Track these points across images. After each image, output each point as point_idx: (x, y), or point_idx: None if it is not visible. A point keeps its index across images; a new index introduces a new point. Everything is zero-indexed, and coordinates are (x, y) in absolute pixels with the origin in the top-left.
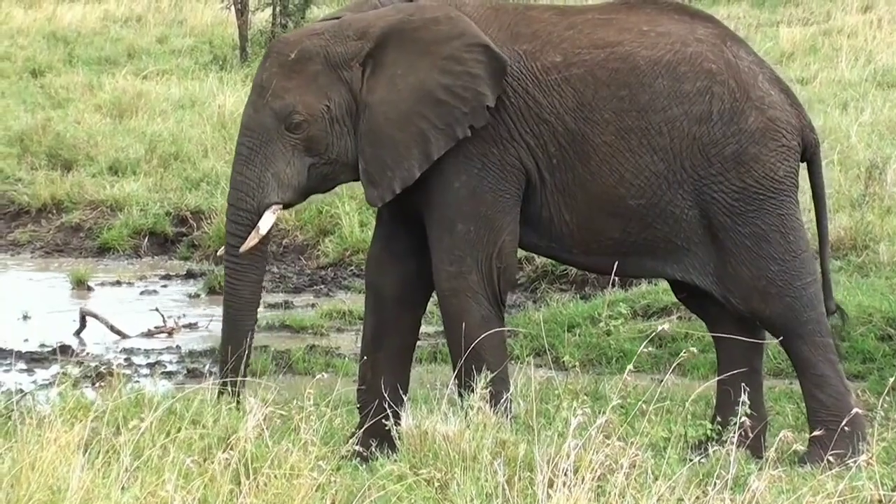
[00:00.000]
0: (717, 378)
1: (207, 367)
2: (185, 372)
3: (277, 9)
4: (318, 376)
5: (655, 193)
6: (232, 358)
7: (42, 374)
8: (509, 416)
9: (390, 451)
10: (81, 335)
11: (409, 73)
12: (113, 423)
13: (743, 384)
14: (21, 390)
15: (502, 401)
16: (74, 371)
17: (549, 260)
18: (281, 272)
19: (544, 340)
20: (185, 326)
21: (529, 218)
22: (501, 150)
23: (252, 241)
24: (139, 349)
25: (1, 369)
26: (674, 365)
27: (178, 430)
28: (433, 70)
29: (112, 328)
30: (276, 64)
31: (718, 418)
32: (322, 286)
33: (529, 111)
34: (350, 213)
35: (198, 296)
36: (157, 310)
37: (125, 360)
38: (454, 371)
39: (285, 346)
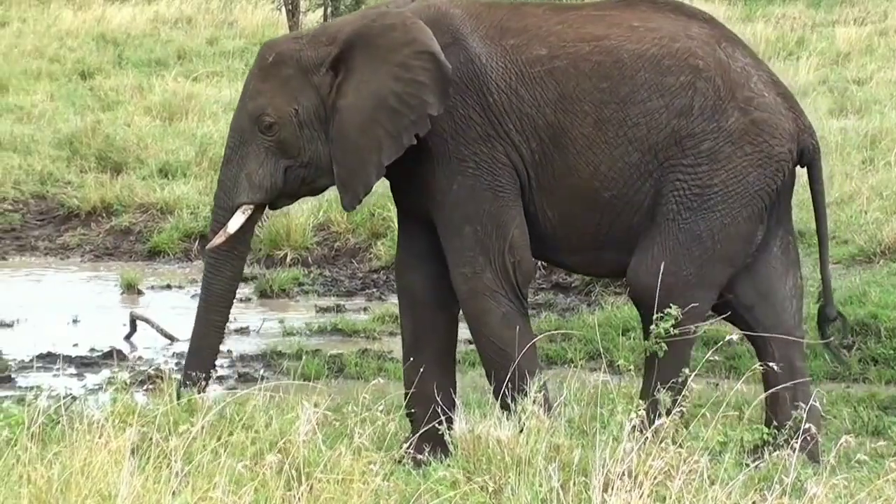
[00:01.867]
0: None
1: (259, 371)
2: (237, 376)
3: (329, 10)
4: (372, 381)
5: (626, 184)
6: (198, 352)
7: (92, 379)
8: (548, 410)
9: (444, 456)
10: (132, 339)
11: (371, 79)
12: (164, 427)
13: (789, 385)
14: (71, 395)
15: (537, 399)
16: (125, 375)
17: None
18: (333, 276)
19: (598, 344)
20: (236, 331)
21: (526, 219)
22: (490, 148)
23: (219, 239)
24: None
25: (51, 374)
26: (743, 372)
27: (230, 435)
28: (388, 77)
29: (163, 332)
30: (256, 66)
31: (775, 423)
32: (374, 290)
33: (512, 107)
34: None
35: (249, 300)
36: None
37: (176, 364)
38: (485, 372)
39: (337, 349)
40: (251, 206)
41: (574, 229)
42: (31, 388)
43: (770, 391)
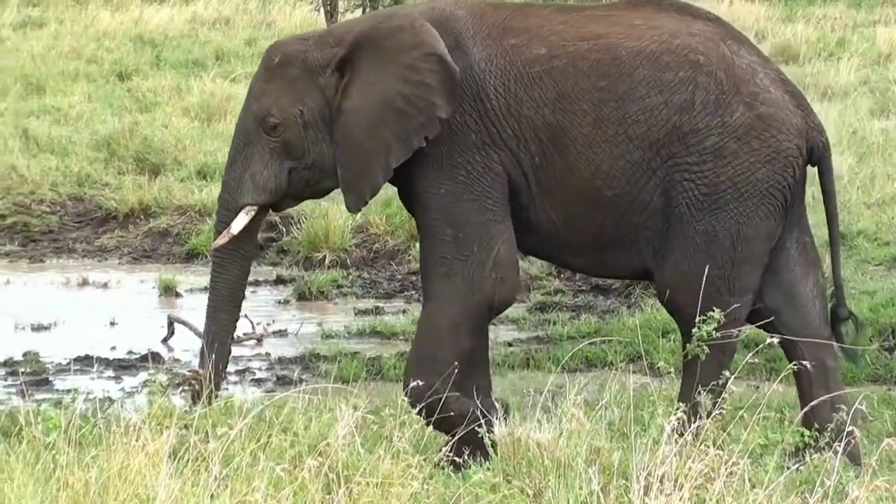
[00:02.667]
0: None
1: (297, 373)
2: (275, 379)
3: (367, 10)
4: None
5: (629, 182)
6: (209, 353)
7: (130, 382)
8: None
9: (483, 460)
10: (170, 342)
11: (377, 81)
12: (202, 430)
13: (823, 383)
14: (109, 398)
15: (439, 406)
16: (162, 378)
17: None
18: (372, 277)
19: (639, 346)
20: (274, 333)
21: (521, 221)
22: (484, 156)
23: (222, 239)
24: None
25: (88, 377)
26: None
27: (268, 438)
28: (395, 79)
29: (200, 335)
30: (262, 67)
31: (816, 425)
32: (413, 291)
33: (510, 109)
34: None
35: (287, 302)
36: (245, 316)
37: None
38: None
39: (376, 352)
40: (255, 208)
41: (577, 230)
42: (69, 390)
43: (800, 392)
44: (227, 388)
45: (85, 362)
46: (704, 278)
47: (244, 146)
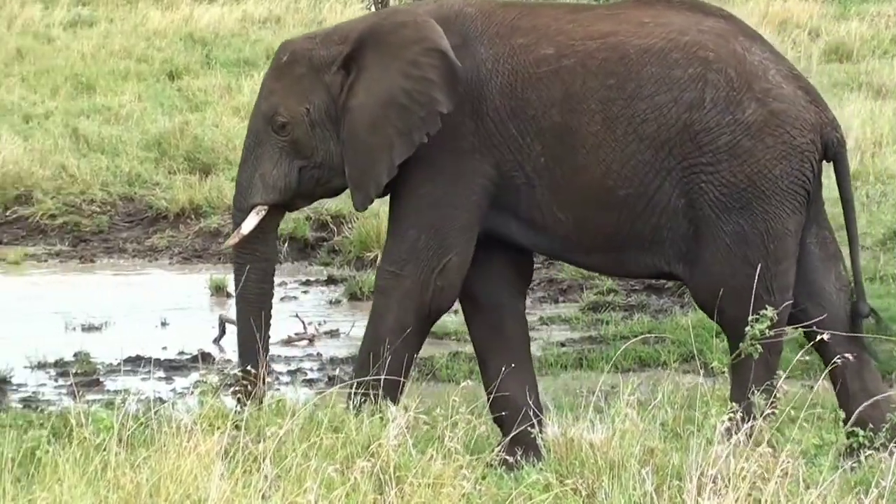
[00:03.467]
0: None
1: (349, 373)
2: (326, 379)
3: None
4: (462, 384)
5: (643, 182)
6: (247, 356)
7: (181, 382)
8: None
9: (536, 460)
10: (221, 342)
11: (382, 77)
12: (253, 430)
13: (857, 377)
14: (160, 398)
15: (375, 406)
16: (214, 379)
17: None
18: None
19: (692, 346)
20: (325, 333)
21: (528, 222)
22: (475, 162)
23: (233, 240)
24: (279, 356)
25: (139, 377)
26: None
27: (320, 438)
28: (398, 74)
29: None
30: (272, 66)
31: (870, 424)
32: None
33: (514, 110)
34: None
35: (339, 302)
36: (297, 316)
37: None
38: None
39: (428, 352)
40: (265, 207)
41: (590, 230)
42: (120, 391)
43: (838, 390)
44: (278, 389)
45: (136, 363)
46: (736, 281)
47: (254, 146)
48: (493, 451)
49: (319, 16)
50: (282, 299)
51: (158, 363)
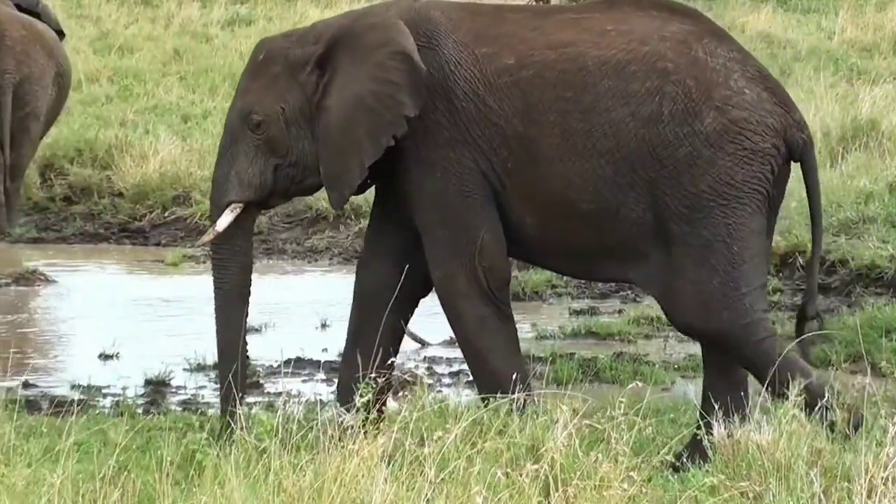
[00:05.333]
0: None
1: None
2: None
3: None
4: (629, 385)
5: (605, 197)
6: (225, 353)
7: None
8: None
9: (702, 462)
10: None
11: (352, 79)
12: (417, 433)
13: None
14: (321, 401)
15: (517, 403)
16: (377, 381)
17: (865, 262)
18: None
19: (860, 346)
20: None
21: (507, 223)
22: (458, 153)
23: (207, 237)
24: (441, 358)
25: (300, 379)
26: None
27: (484, 441)
28: (366, 77)
29: (414, 336)
30: (248, 64)
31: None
32: (629, 292)
33: (480, 115)
34: None
35: None
36: None
37: (427, 369)
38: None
39: (591, 353)
40: (241, 205)
41: (557, 238)
42: (281, 394)
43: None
44: (440, 391)
45: (297, 365)
46: (706, 290)
47: (230, 143)
48: (659, 453)
49: None
50: None
51: (319, 365)
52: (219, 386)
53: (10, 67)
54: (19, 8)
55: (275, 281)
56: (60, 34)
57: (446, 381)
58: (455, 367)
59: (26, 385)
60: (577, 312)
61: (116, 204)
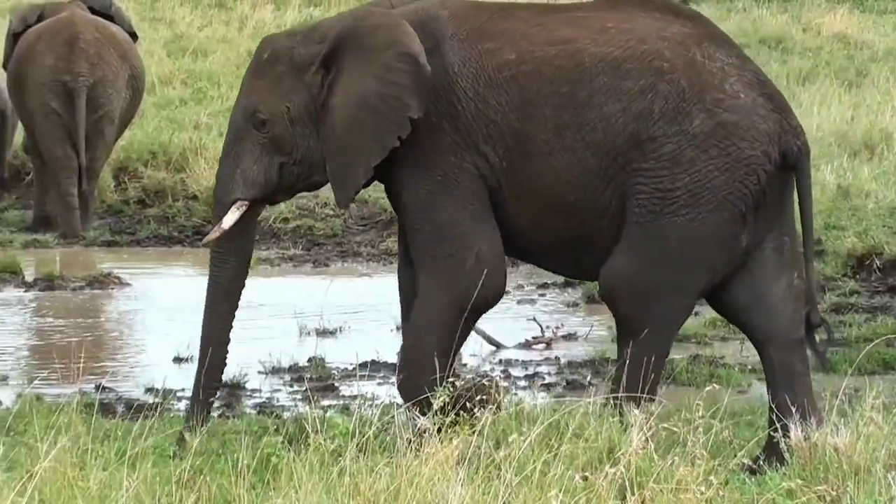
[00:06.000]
0: None
1: (587, 378)
2: (565, 384)
3: None
4: (706, 388)
5: (587, 188)
6: (208, 346)
7: None
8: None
9: (779, 464)
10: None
11: (357, 80)
12: (493, 436)
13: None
14: (396, 403)
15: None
16: (451, 384)
17: None
18: None
19: None
20: (563, 337)
21: (501, 224)
22: (458, 157)
23: (213, 234)
24: (517, 360)
25: (375, 382)
26: None
27: (560, 445)
28: (371, 78)
29: (489, 339)
30: (253, 63)
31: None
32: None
33: (479, 113)
34: None
35: (576, 304)
36: (534, 319)
37: (503, 371)
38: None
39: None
40: (246, 203)
41: (548, 234)
42: (356, 396)
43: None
44: (516, 394)
45: (371, 367)
46: (642, 278)
47: (235, 142)
48: (736, 455)
49: None
50: (518, 302)
51: (394, 368)
52: (208, 387)
53: (84, 70)
54: (92, 11)
55: (350, 283)
56: (134, 37)
57: (522, 383)
58: (531, 370)
59: (101, 389)
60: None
61: (190, 207)
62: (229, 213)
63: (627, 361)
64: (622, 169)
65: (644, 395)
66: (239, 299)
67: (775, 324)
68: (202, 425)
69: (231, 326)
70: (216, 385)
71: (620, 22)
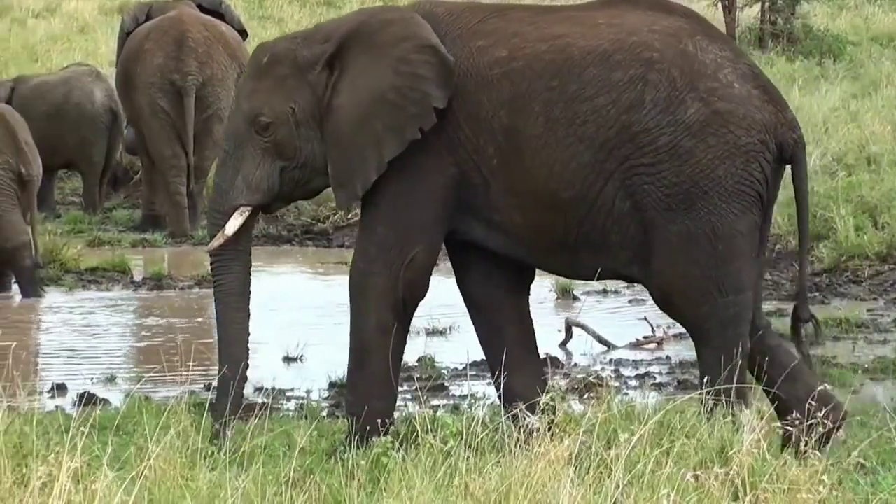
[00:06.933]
0: None
1: (698, 377)
2: (676, 383)
3: (766, 4)
4: (819, 388)
5: (584, 184)
6: (228, 351)
7: None
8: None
9: (892, 465)
10: (567, 346)
11: (367, 75)
12: (603, 436)
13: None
14: (505, 403)
15: (365, 413)
16: (562, 383)
17: None
18: (774, 279)
19: None
20: (674, 336)
21: (487, 223)
22: (438, 160)
23: (217, 241)
24: (627, 360)
25: (484, 381)
26: None
27: (672, 444)
28: (386, 72)
29: (599, 338)
30: (250, 68)
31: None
32: (816, 293)
33: (469, 112)
34: (846, 216)
35: None
36: (645, 319)
37: (613, 371)
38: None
39: None
40: (249, 208)
41: (542, 231)
42: (466, 396)
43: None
44: (626, 393)
45: (481, 367)
46: (687, 281)
47: (235, 147)
48: (850, 455)
49: None
50: (629, 302)
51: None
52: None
53: (192, 69)
54: (202, 9)
55: None
56: (243, 35)
57: (632, 383)
58: (641, 370)
59: (210, 388)
60: (765, 314)
61: (299, 206)
62: (232, 219)
63: (702, 367)
64: (620, 165)
65: (732, 399)
66: (250, 300)
67: (760, 319)
68: (231, 426)
69: (248, 330)
70: (242, 388)
71: (611, 17)
